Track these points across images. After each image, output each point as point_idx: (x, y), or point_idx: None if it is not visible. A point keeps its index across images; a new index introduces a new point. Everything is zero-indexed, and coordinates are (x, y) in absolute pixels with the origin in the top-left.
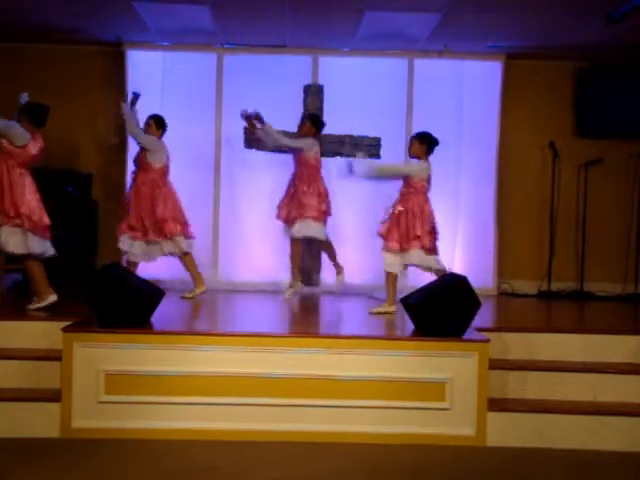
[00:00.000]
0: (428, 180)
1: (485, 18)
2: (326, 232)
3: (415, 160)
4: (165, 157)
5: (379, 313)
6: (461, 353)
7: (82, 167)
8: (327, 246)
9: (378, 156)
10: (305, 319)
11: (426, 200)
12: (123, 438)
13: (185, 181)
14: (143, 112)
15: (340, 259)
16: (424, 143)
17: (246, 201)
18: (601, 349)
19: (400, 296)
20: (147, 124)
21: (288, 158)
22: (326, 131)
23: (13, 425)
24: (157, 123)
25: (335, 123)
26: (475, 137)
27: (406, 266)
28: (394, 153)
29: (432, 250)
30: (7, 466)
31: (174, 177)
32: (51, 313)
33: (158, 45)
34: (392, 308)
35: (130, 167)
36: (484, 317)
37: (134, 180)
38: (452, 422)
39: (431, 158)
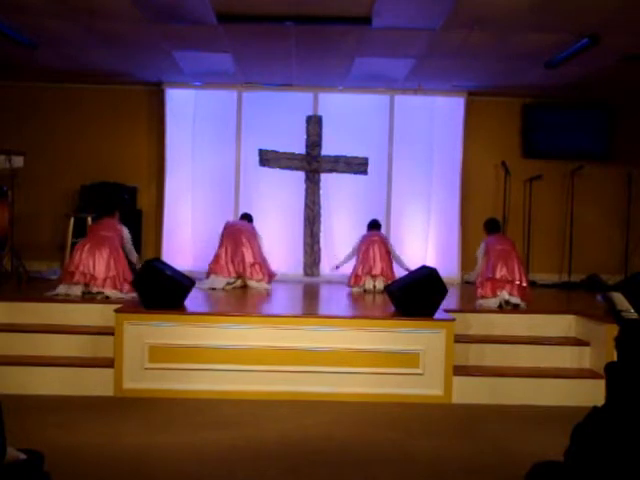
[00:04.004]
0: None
1: (451, 64)
2: None
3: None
4: None
5: None
6: (432, 329)
7: (130, 182)
8: None
9: (366, 172)
10: (308, 303)
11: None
12: (164, 397)
13: (210, 194)
14: (179, 142)
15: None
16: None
17: (261, 209)
18: (541, 326)
19: None
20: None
21: (294, 174)
22: (324, 152)
23: (76, 385)
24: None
25: (332, 146)
26: (443, 157)
27: None
28: (379, 170)
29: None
30: (72, 416)
31: (202, 191)
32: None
33: (191, 85)
34: None
35: (168, 183)
36: (450, 301)
37: None
38: (425, 384)
39: (409, 173)
